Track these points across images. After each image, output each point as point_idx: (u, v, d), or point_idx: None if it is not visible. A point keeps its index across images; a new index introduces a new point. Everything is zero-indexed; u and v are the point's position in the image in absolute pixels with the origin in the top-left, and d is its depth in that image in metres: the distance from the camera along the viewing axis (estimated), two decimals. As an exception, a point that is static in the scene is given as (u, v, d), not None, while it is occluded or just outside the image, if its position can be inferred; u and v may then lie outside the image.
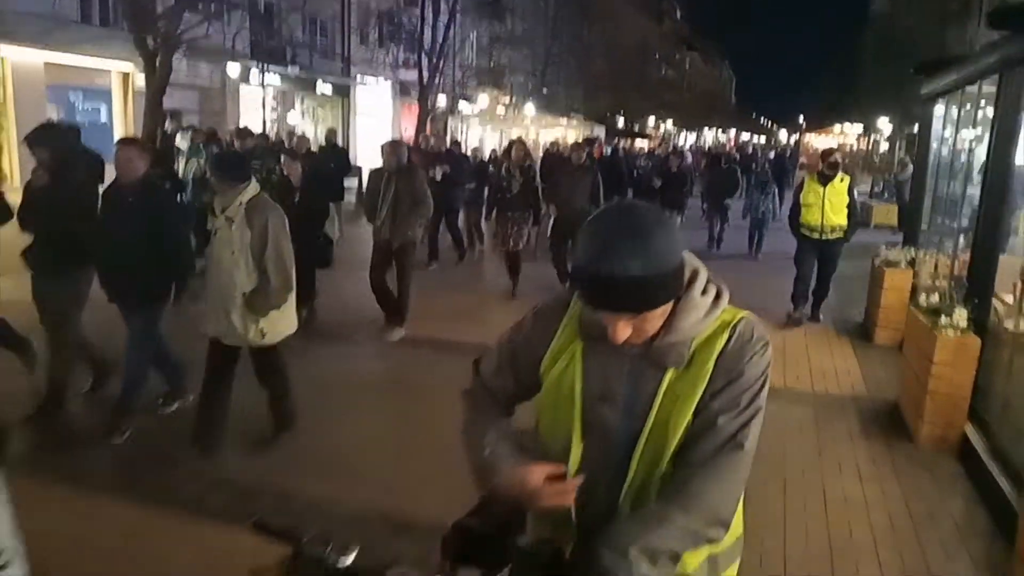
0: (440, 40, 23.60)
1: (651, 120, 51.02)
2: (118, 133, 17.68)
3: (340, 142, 16.92)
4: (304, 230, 5.91)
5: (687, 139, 55.48)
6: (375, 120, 27.73)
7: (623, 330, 1.49)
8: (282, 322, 4.41)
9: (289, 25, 22.52)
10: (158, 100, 14.37)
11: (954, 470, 4.58)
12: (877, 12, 39.29)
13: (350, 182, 14.87)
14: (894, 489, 4.31)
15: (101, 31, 17.23)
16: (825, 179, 7.69)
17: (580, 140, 17.19)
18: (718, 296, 1.56)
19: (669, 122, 55.80)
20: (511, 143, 10.11)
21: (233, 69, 20.52)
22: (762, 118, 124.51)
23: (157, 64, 14.19)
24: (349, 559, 1.52)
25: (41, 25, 15.26)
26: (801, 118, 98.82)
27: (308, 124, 24.94)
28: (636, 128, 47.53)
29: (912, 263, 7.41)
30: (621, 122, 43.42)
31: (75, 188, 4.84)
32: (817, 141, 61.32)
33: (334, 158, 12.55)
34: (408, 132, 26.31)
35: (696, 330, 1.54)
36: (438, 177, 10.45)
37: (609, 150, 23.55)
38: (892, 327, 7.10)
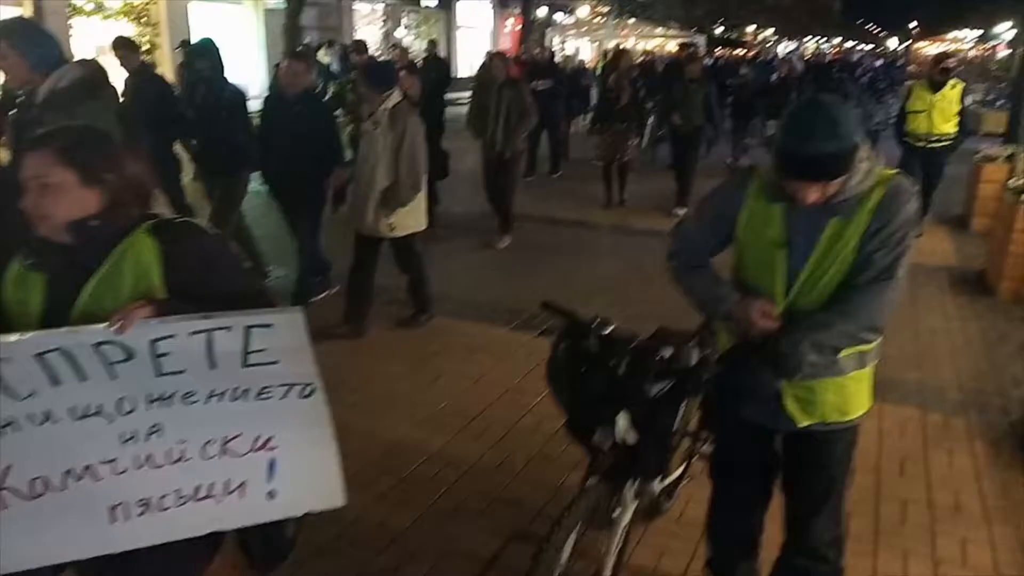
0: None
1: (749, 28, 49.65)
2: (251, 49, 19.43)
3: (441, 55, 17.85)
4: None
5: (786, 48, 53.61)
6: (476, 33, 28.62)
7: (815, 194, 1.96)
8: (410, 217, 4.89)
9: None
10: (296, 18, 15.84)
11: (1024, 314, 5.73)
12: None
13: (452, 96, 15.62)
14: (973, 324, 5.52)
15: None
16: (936, 86, 7.49)
17: (679, 48, 17.21)
18: (873, 162, 2.02)
19: (769, 31, 54.01)
20: (616, 53, 10.07)
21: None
22: (870, 25, 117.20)
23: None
24: (607, 330, 2.31)
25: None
26: (913, 25, 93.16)
27: (412, 38, 26.09)
28: (734, 37, 46.48)
29: (1010, 158, 8.17)
30: (719, 31, 42.65)
31: (232, 98, 5.40)
32: (929, 50, 58.35)
33: (436, 70, 13.36)
34: (506, 44, 27.17)
35: (860, 188, 1.99)
36: (539, 88, 10.24)
37: (710, 61, 23.75)
38: (987, 215, 7.94)
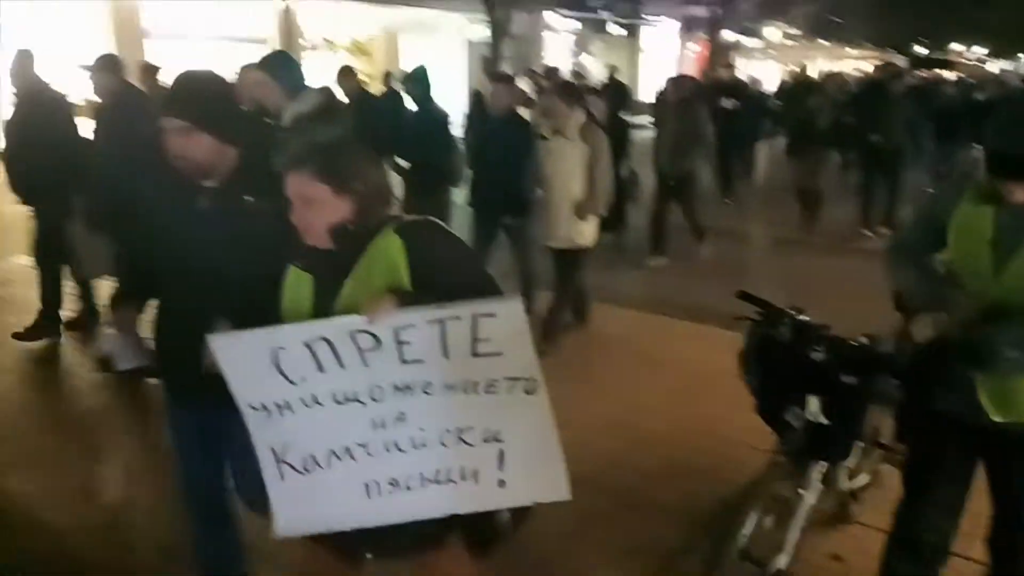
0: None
1: (953, 46, 46.18)
2: (455, 78, 20.99)
3: (625, 80, 18.37)
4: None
5: (999, 68, 49.34)
6: (661, 58, 28.93)
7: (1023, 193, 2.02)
8: (589, 230, 5.20)
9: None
10: (497, 49, 17.01)
11: None
12: None
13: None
14: None
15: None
16: None
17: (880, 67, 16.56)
18: None
19: (976, 47, 49.93)
20: (824, 75, 10.30)
21: (548, 17, 22.90)
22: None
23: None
24: (803, 316, 2.61)
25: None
26: None
27: (599, 65, 26.83)
28: (932, 56, 43.45)
29: None
30: (920, 50, 40.07)
31: (439, 119, 5.85)
32: None
33: (615, 94, 13.51)
34: (690, 69, 27.22)
35: None
36: (725, 106, 10.53)
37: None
38: None
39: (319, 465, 1.97)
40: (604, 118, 7.01)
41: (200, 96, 2.26)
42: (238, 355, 1.91)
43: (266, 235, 2.11)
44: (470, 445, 1.94)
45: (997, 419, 2.22)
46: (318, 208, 1.88)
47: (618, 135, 7.75)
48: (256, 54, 4.33)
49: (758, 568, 2.58)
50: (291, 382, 1.89)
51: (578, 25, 24.59)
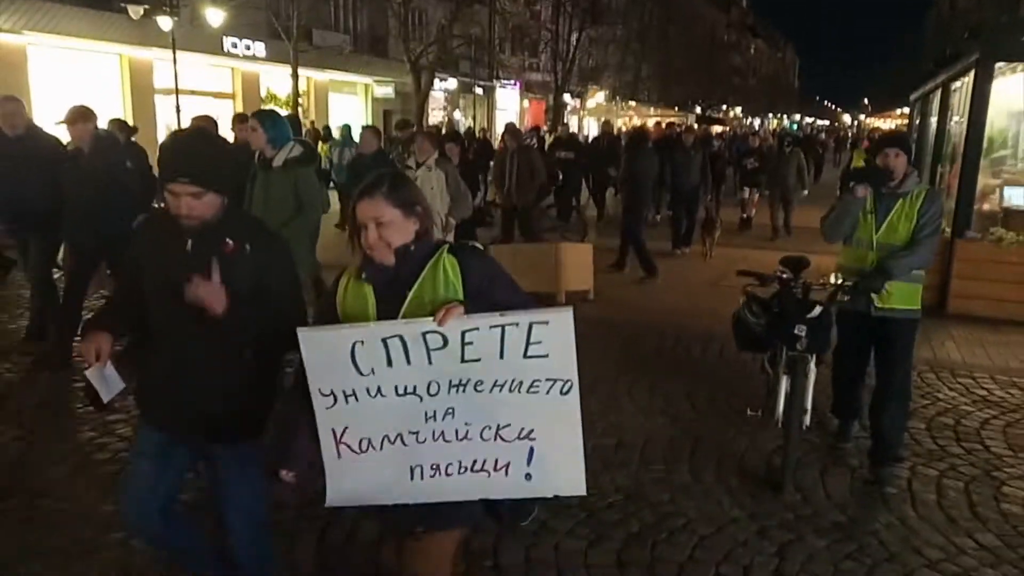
0: (568, 50, 31.83)
1: (723, 107, 58.46)
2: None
3: (481, 133, 23.59)
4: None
5: (752, 124, 62.35)
6: (509, 113, 36.12)
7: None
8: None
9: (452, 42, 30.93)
10: (422, 106, 22.86)
11: None
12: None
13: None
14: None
15: (368, 57, 25.99)
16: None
17: (663, 124, 21.49)
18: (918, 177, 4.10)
19: (738, 108, 62.91)
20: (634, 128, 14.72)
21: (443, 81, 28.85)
22: (826, 102, 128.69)
23: (423, 81, 22.71)
24: (784, 274, 4.22)
25: (335, 55, 23.98)
26: (866, 101, 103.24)
27: (465, 118, 33.46)
28: (708, 114, 55.13)
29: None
30: (698, 109, 51.19)
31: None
32: (881, 124, 66.52)
33: (481, 146, 15.89)
34: (529, 121, 34.71)
35: (909, 187, 4.01)
36: (562, 156, 12.70)
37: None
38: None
39: (373, 447, 2.19)
40: (458, 158, 8.44)
41: (208, 159, 2.36)
42: (321, 346, 2.13)
43: (247, 274, 2.36)
44: (506, 441, 2.19)
45: (880, 305, 4.04)
46: (393, 229, 2.13)
47: (476, 173, 10.35)
48: (225, 107, 8.42)
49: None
50: (361, 373, 2.11)
51: (452, 86, 31.00)
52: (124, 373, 2.49)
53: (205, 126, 6.11)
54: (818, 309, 4.06)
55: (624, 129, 25.98)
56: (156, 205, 6.48)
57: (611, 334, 6.80)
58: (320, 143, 13.51)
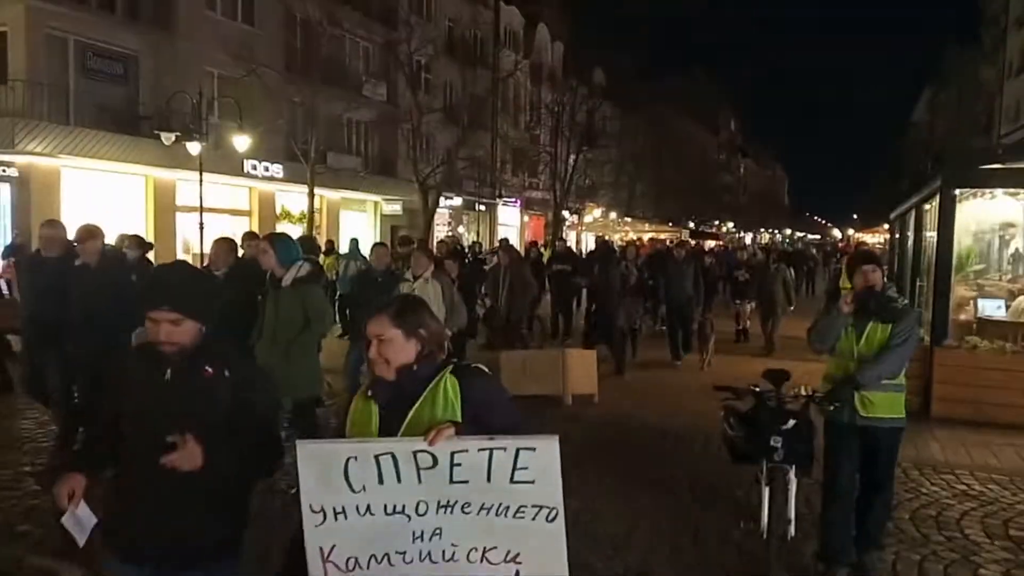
0: (566, 170, 33.51)
1: (715, 222, 60.40)
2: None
3: (483, 249, 24.61)
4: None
5: (745, 239, 64.18)
6: (510, 228, 37.55)
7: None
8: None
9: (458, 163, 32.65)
10: (429, 223, 23.98)
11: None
12: (917, 120, 45.98)
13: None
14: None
15: (379, 178, 27.38)
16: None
17: (655, 239, 22.57)
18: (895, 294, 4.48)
19: (730, 224, 64.90)
20: (628, 243, 15.41)
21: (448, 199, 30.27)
22: (815, 216, 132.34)
23: (430, 200, 23.96)
24: (758, 389, 4.45)
25: (348, 177, 25.33)
26: (855, 216, 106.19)
27: (469, 233, 34.80)
28: (701, 229, 56.98)
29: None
30: (692, 224, 53.00)
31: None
32: (869, 238, 68.25)
33: (476, 260, 16.48)
34: (530, 236, 36.03)
35: (892, 305, 4.32)
36: (556, 268, 13.75)
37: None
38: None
39: (359, 566, 2.18)
40: (456, 272, 9.09)
41: (188, 288, 2.44)
42: (318, 459, 2.17)
43: (225, 398, 2.40)
44: (492, 564, 2.20)
45: (864, 414, 4.21)
46: (393, 347, 2.26)
47: (472, 285, 10.54)
48: (241, 223, 8.98)
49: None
50: (353, 490, 2.14)
51: (457, 203, 32.48)
52: (94, 506, 2.47)
53: (186, 261, 6.82)
54: (792, 422, 4.24)
55: (622, 242, 27.09)
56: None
57: (616, 437, 7.28)
58: (323, 256, 14.15)
